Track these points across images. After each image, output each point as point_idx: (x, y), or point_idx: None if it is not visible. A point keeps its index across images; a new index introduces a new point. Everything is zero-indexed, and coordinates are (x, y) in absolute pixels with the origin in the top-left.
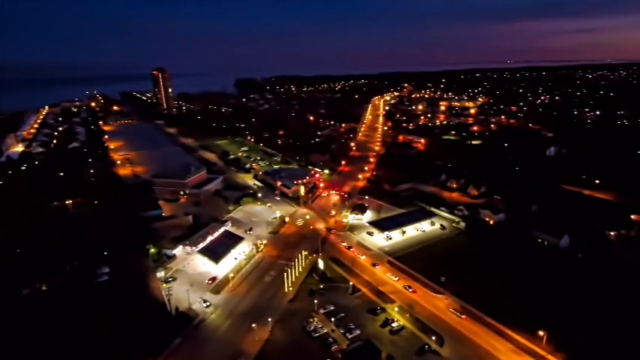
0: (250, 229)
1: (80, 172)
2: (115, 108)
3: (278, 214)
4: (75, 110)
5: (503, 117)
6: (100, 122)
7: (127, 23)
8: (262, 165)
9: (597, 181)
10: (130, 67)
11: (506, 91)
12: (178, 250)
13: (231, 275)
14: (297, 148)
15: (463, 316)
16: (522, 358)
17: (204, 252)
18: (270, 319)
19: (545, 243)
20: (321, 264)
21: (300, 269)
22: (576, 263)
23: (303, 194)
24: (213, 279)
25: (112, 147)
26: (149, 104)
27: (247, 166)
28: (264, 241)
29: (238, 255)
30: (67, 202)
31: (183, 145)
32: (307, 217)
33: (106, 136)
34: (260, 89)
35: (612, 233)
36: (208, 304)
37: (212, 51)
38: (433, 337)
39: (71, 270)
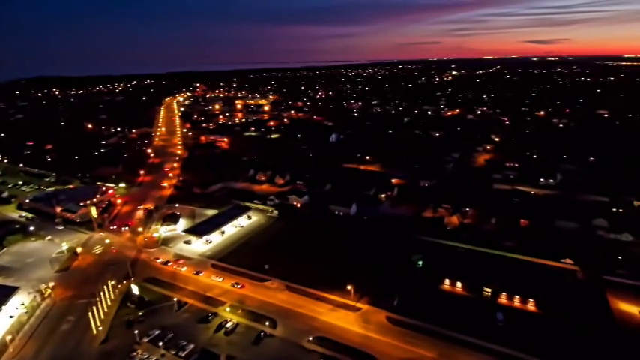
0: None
1: None
2: None
3: (65, 246)
4: None
5: (292, 112)
6: None
7: None
8: (29, 190)
9: (368, 158)
10: None
11: (291, 88)
12: None
13: (10, 338)
14: (77, 163)
15: (239, 286)
16: (339, 312)
17: None
18: None
19: (341, 213)
20: (135, 289)
21: (109, 302)
22: (363, 224)
23: (95, 216)
24: None
25: None
26: None
27: (5, 195)
28: (52, 283)
29: (15, 310)
30: None
31: None
32: (107, 241)
33: None
34: (6, 94)
35: (382, 196)
36: None
37: None
38: (267, 323)
39: None
